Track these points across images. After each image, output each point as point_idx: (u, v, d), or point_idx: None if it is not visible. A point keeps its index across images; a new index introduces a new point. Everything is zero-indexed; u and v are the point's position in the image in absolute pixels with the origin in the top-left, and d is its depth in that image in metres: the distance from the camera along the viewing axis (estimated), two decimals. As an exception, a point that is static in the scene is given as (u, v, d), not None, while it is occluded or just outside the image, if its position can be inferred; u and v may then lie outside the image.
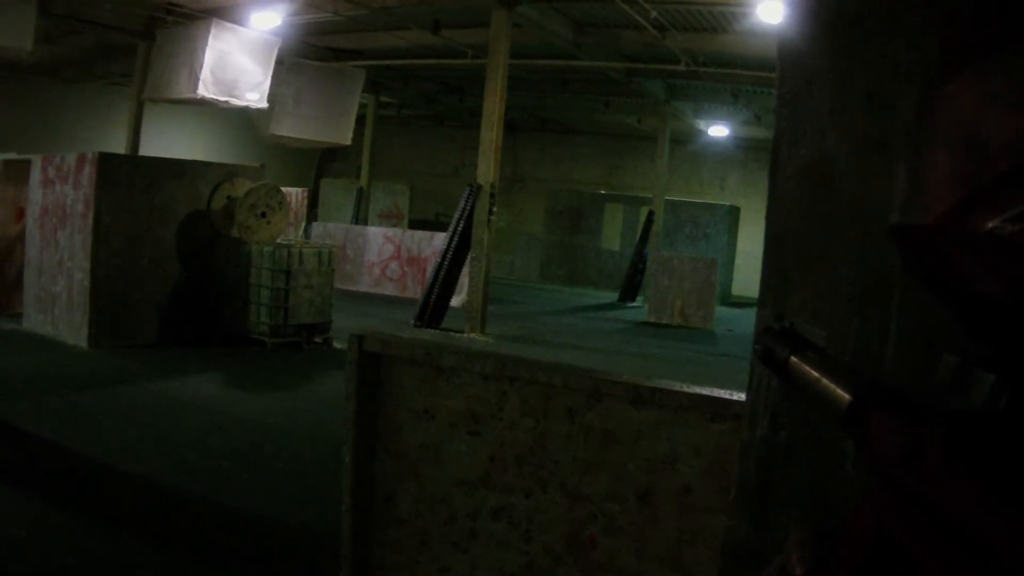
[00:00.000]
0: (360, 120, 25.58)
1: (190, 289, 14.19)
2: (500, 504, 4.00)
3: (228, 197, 14.29)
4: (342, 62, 20.29)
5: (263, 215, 14.36)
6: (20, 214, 14.89)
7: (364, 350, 4.26)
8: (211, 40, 15.39)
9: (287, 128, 19.50)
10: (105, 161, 13.22)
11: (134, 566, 5.90)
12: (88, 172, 13.13)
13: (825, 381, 1.26)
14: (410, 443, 4.24)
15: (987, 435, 0.99)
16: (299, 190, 26.29)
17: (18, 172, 14.93)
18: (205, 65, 15.42)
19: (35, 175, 14.30)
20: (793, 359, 1.37)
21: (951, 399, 1.05)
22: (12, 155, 15.33)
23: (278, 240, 14.73)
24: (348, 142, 21.52)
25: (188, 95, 15.79)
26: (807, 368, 1.33)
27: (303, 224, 25.63)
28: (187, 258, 14.15)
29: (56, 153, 14.13)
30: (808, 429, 1.87)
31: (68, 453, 8.23)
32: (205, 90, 15.58)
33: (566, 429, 3.80)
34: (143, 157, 16.53)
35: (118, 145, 19.10)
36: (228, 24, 15.65)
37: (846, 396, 1.18)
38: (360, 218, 28.71)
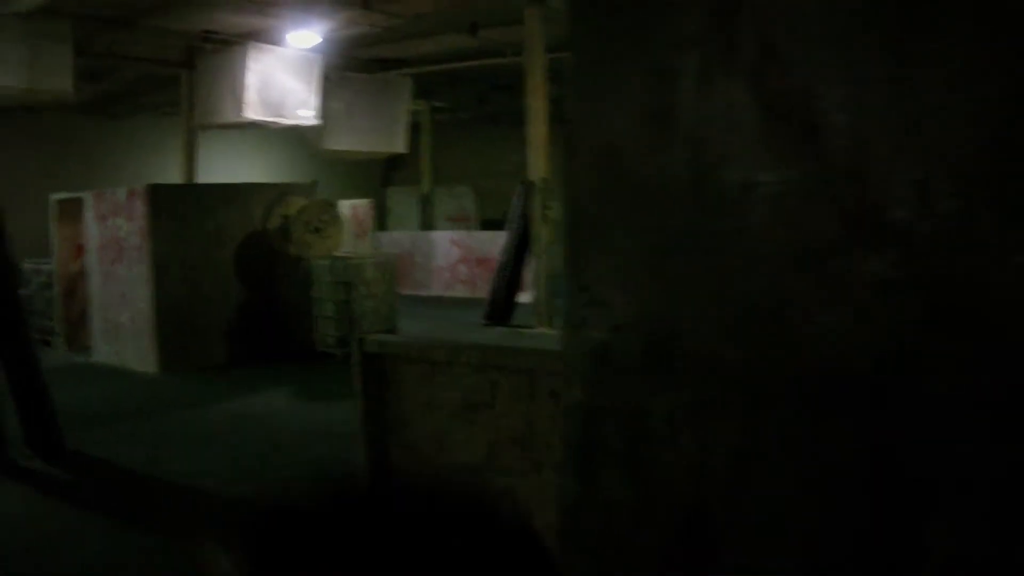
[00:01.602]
0: (417, 127, 25.79)
1: (254, 308, 14.54)
2: (503, 487, 4.19)
3: (283, 216, 14.61)
4: (388, 71, 20.47)
5: (318, 230, 14.67)
6: (79, 251, 15.39)
7: (365, 351, 4.50)
8: (251, 63, 15.66)
9: (341, 142, 19.69)
10: (154, 193, 13.65)
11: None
12: (139, 205, 13.55)
13: None
14: (418, 434, 4.46)
15: None
16: (365, 202, 26.57)
17: (72, 210, 15.45)
18: (249, 88, 15.70)
19: (89, 212, 14.81)
20: None
21: None
22: (64, 194, 15.78)
23: (337, 253, 15.00)
24: (403, 150, 21.65)
25: (235, 119, 16.06)
26: None
27: (371, 235, 25.91)
28: (248, 279, 14.50)
29: (108, 188, 14.59)
30: (616, 394, 2.06)
31: (137, 475, 8.60)
32: (252, 113, 15.84)
33: (551, 411, 3.98)
34: (192, 185, 16.94)
35: (176, 174, 19.50)
36: (266, 46, 15.93)
37: None
38: (427, 224, 28.89)
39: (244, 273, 14.46)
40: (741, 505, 1.82)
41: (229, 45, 16.09)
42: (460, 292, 23.68)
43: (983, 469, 1.49)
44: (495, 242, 22.63)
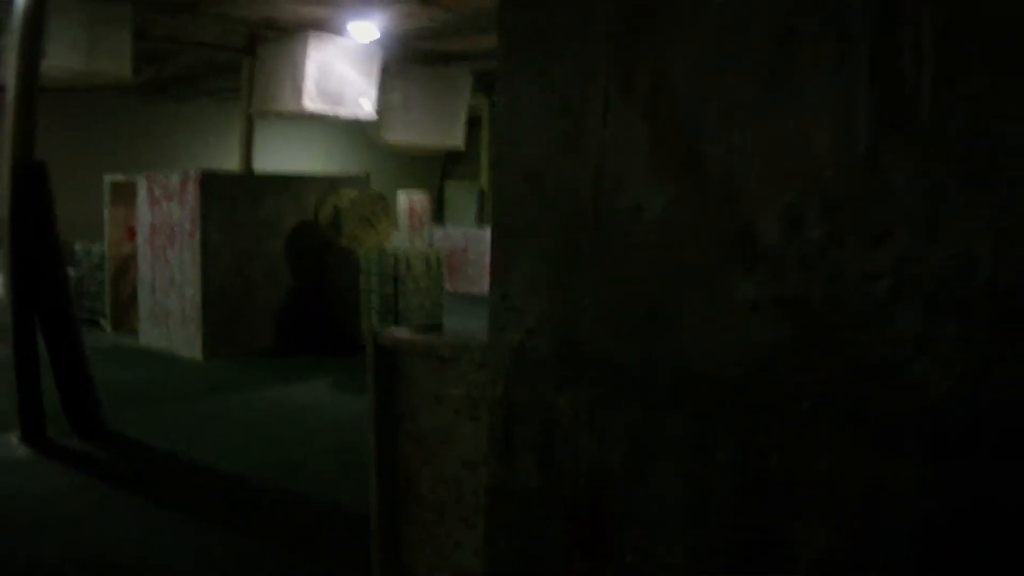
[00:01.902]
0: (478, 121, 25.78)
1: (302, 298, 14.75)
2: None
3: (334, 207, 14.76)
4: (449, 65, 20.47)
5: (369, 223, 14.80)
6: (131, 234, 15.70)
7: (378, 345, 4.62)
8: (311, 53, 15.76)
9: (399, 134, 19.75)
10: (207, 179, 13.89)
11: (214, 548, 6.43)
12: (192, 190, 13.78)
13: None
14: (425, 427, 4.58)
15: None
16: (422, 194, 26.61)
17: (126, 193, 15.75)
18: (308, 78, 15.78)
19: (142, 195, 15.03)
20: None
21: None
22: (118, 176, 16.01)
23: (386, 246, 15.13)
24: (460, 144, 21.60)
25: (294, 108, 16.11)
26: None
27: (427, 228, 25.98)
28: (297, 269, 14.71)
29: (162, 172, 14.91)
30: (530, 390, 2.19)
31: (176, 458, 8.81)
32: (310, 103, 15.91)
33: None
34: (245, 174, 17.01)
35: (234, 160, 19.59)
36: (327, 36, 16.04)
37: None
38: (484, 218, 28.84)
39: (294, 263, 14.67)
40: (632, 498, 1.96)
41: (290, 34, 16.22)
42: (512, 288, 23.69)
43: (843, 478, 1.59)
44: (548, 240, 22.64)
